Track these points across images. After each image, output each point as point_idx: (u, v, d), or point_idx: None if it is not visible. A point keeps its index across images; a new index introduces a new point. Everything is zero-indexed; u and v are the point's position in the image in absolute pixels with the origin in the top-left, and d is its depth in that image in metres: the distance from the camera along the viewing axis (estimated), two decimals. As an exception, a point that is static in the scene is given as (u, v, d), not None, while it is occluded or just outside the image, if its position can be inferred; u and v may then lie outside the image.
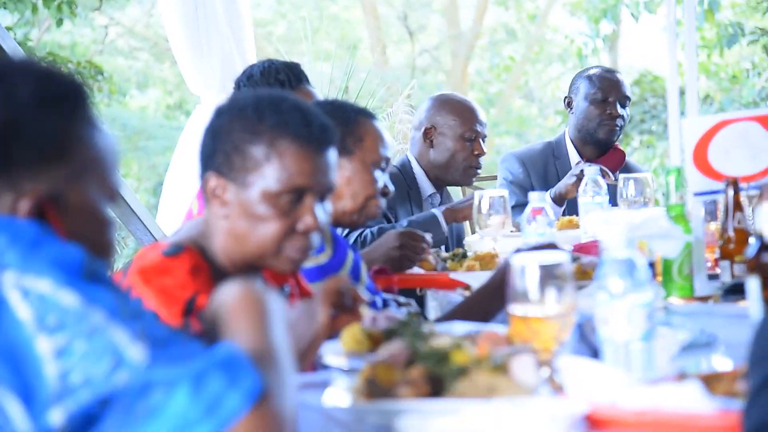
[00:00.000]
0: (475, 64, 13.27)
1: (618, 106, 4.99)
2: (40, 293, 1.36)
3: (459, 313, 2.85)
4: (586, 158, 5.07)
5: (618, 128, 5.03)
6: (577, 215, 4.25)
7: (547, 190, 4.61)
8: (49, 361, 1.33)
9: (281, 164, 2.17)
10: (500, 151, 12.47)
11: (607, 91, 5.00)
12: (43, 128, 1.47)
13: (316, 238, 2.23)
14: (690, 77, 3.12)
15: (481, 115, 4.64)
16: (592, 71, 5.10)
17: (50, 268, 1.38)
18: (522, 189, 5.00)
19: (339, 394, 1.88)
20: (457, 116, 4.57)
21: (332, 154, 2.25)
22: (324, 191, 2.23)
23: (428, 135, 4.57)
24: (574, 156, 5.10)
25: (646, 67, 12.10)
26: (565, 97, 5.17)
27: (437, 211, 4.26)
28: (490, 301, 2.85)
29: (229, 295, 1.61)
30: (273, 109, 2.20)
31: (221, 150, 2.19)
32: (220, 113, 2.23)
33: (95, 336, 1.34)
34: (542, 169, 5.09)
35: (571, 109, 5.12)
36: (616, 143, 5.09)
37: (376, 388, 1.81)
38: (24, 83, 1.49)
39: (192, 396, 1.33)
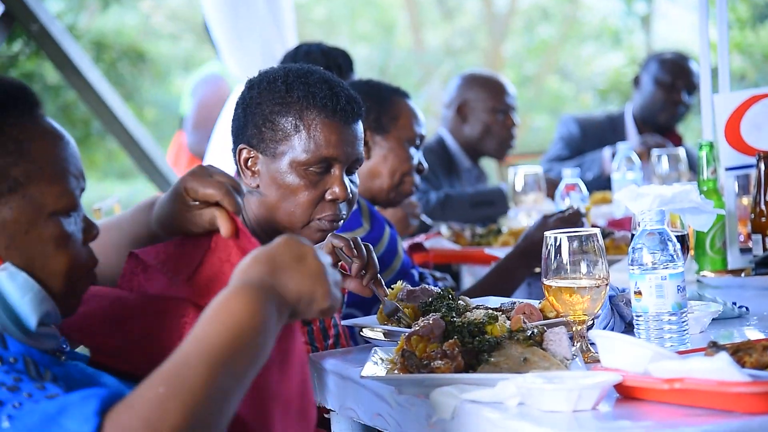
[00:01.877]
0: (510, 45, 13.22)
1: (684, 93, 5.03)
2: None
3: (485, 281, 2.90)
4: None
5: (680, 114, 5.08)
6: (610, 191, 4.27)
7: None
8: None
9: (309, 135, 2.23)
10: (535, 130, 12.44)
11: (675, 76, 5.04)
12: None
13: (344, 208, 2.28)
14: (722, 54, 3.13)
15: (510, 88, 4.70)
16: (666, 55, 5.14)
17: None
18: (576, 148, 5.08)
19: (376, 367, 1.92)
20: (487, 91, 4.64)
21: (359, 127, 2.30)
22: (352, 162, 2.28)
23: (461, 111, 4.64)
24: (632, 133, 5.15)
25: (680, 45, 12.01)
26: (636, 75, 5.22)
27: (504, 186, 4.36)
28: (516, 266, 2.90)
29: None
30: (301, 81, 2.25)
31: (252, 122, 2.25)
32: (251, 87, 2.29)
33: None
34: (599, 138, 5.16)
35: (638, 87, 5.17)
36: (675, 127, 5.14)
37: (412, 361, 1.84)
38: None
39: None
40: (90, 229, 1.56)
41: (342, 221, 2.29)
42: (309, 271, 1.47)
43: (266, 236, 2.31)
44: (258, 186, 2.28)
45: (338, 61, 3.68)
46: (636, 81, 5.24)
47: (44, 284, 1.48)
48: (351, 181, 2.29)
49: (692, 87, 5.09)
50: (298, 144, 2.23)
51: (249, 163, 2.28)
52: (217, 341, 1.34)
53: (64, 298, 1.52)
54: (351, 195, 2.27)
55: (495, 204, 4.32)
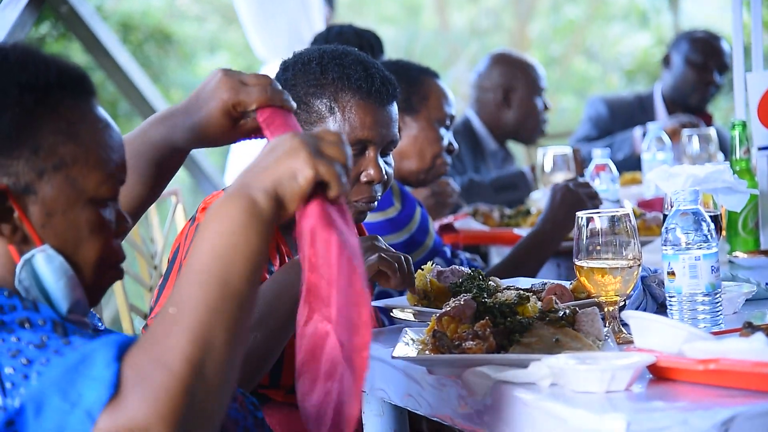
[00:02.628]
0: (536, 25, 13.16)
1: (716, 74, 4.99)
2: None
3: (513, 258, 2.90)
4: None
5: (711, 95, 5.04)
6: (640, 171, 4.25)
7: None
8: None
9: (344, 117, 2.22)
10: (561, 111, 12.38)
11: (708, 56, 5.00)
12: (14, 110, 1.40)
13: (379, 190, 2.27)
14: (755, 32, 3.10)
15: (541, 71, 4.70)
16: (697, 34, 5.09)
17: None
18: (606, 129, 5.05)
19: (407, 348, 1.91)
20: (529, 75, 4.63)
21: (394, 108, 2.29)
22: (386, 144, 2.27)
23: (507, 95, 4.61)
24: (662, 112, 5.12)
25: (708, 25, 11.91)
26: (665, 54, 5.18)
27: (526, 168, 4.34)
28: (547, 240, 2.90)
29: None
30: (336, 63, 2.24)
31: None
32: (285, 68, 2.28)
33: None
34: (628, 119, 5.14)
35: (668, 66, 5.13)
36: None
37: (443, 342, 1.84)
38: None
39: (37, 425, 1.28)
40: (122, 222, 1.55)
41: (376, 202, 2.28)
42: (281, 151, 1.41)
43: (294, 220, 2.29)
44: None
45: (370, 41, 3.67)
46: (666, 60, 5.19)
47: (75, 271, 1.48)
48: (386, 162, 2.28)
49: (724, 67, 5.04)
50: (333, 126, 2.22)
51: None
52: (203, 256, 1.33)
53: (90, 289, 1.51)
54: (386, 177, 2.26)
55: (518, 187, 4.31)
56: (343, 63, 2.24)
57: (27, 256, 1.44)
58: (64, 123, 1.45)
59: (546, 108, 4.63)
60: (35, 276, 1.45)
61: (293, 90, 2.24)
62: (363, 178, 2.24)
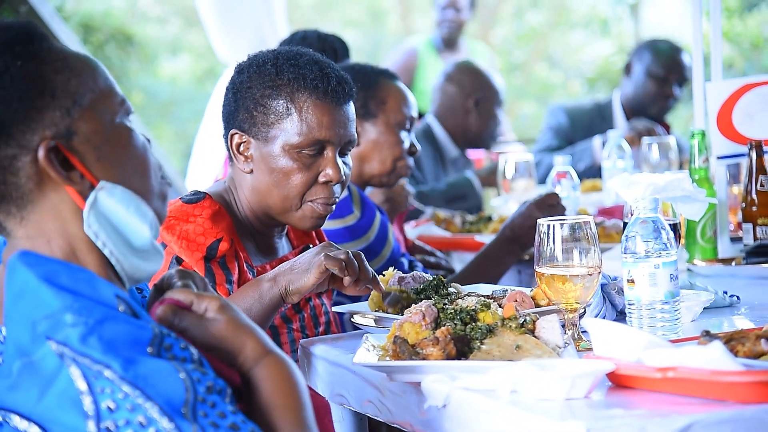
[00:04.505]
0: (499, 31, 13.21)
1: (675, 87, 5.03)
2: (102, 378, 1.32)
3: (471, 268, 2.89)
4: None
5: (669, 107, 5.08)
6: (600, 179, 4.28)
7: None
8: None
9: (301, 117, 2.22)
10: (523, 117, 12.43)
11: (669, 70, 5.04)
12: (12, 75, 1.43)
13: (338, 190, 2.27)
14: (714, 43, 3.13)
15: (497, 79, 4.74)
16: (660, 45, 5.12)
17: (113, 355, 1.33)
18: (566, 138, 5.08)
19: (368, 354, 1.91)
20: (493, 87, 4.65)
21: (351, 108, 2.29)
22: (344, 144, 2.27)
23: (476, 103, 4.63)
24: (621, 120, 5.15)
25: (669, 34, 11.99)
26: (627, 62, 5.21)
27: (470, 174, 4.34)
28: (501, 254, 2.90)
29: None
30: (291, 63, 2.24)
31: (243, 107, 2.24)
32: (241, 71, 2.28)
33: (149, 428, 1.30)
34: (587, 127, 5.16)
35: (629, 75, 5.16)
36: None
37: (404, 348, 1.83)
38: None
39: None
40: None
41: (333, 204, 2.28)
42: None
43: (259, 222, 2.30)
44: (251, 171, 2.26)
45: (334, 45, 3.66)
46: (627, 69, 5.22)
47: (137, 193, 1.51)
48: (344, 162, 2.28)
49: (684, 80, 5.08)
50: (291, 127, 2.22)
51: (241, 148, 2.27)
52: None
53: (154, 203, 1.53)
54: (344, 177, 2.27)
55: (467, 197, 4.33)
56: (298, 63, 2.24)
57: (90, 199, 1.45)
58: (58, 63, 1.47)
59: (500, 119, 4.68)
60: (104, 216, 1.46)
61: (249, 92, 2.24)
62: (321, 179, 2.25)
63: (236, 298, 2.07)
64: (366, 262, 2.09)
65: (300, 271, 2.06)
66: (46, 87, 1.44)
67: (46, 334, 1.33)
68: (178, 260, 2.14)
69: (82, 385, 1.31)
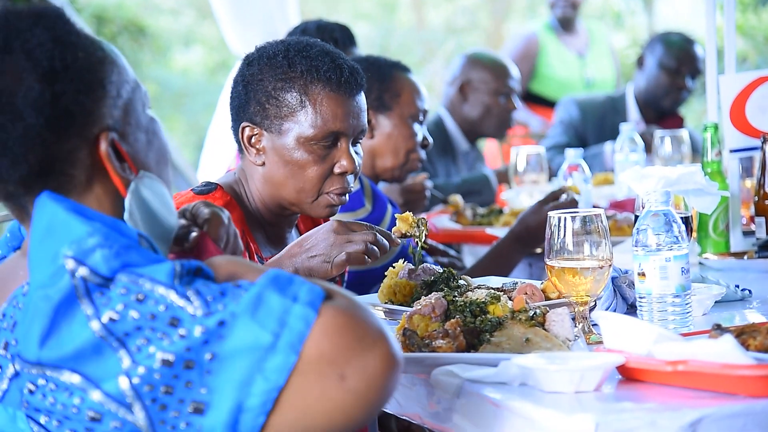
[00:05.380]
0: (512, 24, 13.18)
1: (688, 79, 5.01)
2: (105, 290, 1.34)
3: (480, 265, 2.89)
4: (646, 119, 5.12)
5: (683, 99, 5.06)
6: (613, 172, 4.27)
7: (601, 142, 4.68)
8: (108, 336, 1.31)
9: (316, 110, 2.22)
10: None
11: (681, 62, 5.02)
12: (77, 67, 1.44)
13: (351, 181, 2.27)
14: (728, 36, 3.11)
15: (514, 71, 4.67)
16: (672, 37, 5.10)
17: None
18: (576, 132, 5.06)
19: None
20: (491, 72, 4.60)
21: (362, 98, 2.30)
22: (357, 134, 2.28)
23: (463, 90, 4.61)
24: (633, 113, 5.14)
25: (682, 27, 11.94)
26: (639, 56, 5.20)
27: (489, 172, 4.33)
28: (510, 251, 2.89)
29: None
30: (303, 55, 2.23)
31: (254, 99, 2.23)
32: (250, 63, 2.27)
33: (147, 300, 1.32)
34: (600, 120, 5.14)
35: (642, 67, 5.15)
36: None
37: (413, 340, 1.83)
38: (40, 32, 1.43)
39: (252, 323, 1.30)
40: None
41: (347, 195, 2.28)
42: None
43: (270, 213, 2.30)
44: (263, 163, 2.26)
45: (334, 34, 3.63)
46: (639, 62, 5.21)
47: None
48: (356, 152, 2.28)
49: (697, 72, 5.06)
50: (305, 119, 2.22)
51: (253, 141, 2.26)
52: None
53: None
54: (358, 167, 2.27)
55: (482, 193, 4.32)
56: (310, 55, 2.24)
57: (131, 188, 1.47)
58: (99, 53, 1.47)
59: (512, 108, 4.61)
60: (142, 205, 1.48)
61: (260, 84, 2.23)
62: (336, 170, 2.25)
63: None
64: (377, 233, 2.11)
65: (320, 261, 2.08)
66: (100, 78, 1.45)
67: (67, 254, 1.34)
68: None
69: (87, 309, 1.32)
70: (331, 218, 2.33)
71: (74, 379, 1.32)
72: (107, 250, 1.34)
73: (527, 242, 2.91)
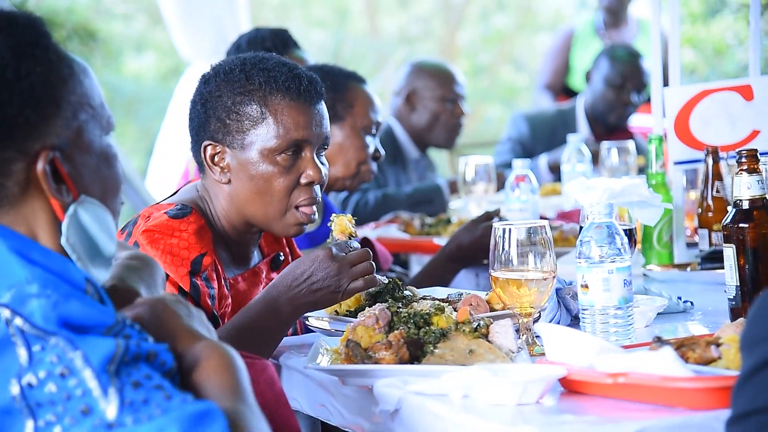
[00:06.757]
0: (465, 34, 13.22)
1: (633, 94, 5.04)
2: (46, 344, 1.29)
3: (415, 282, 2.88)
4: (595, 134, 5.15)
5: (629, 115, 5.09)
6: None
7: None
8: (20, 400, 1.27)
9: (277, 120, 2.18)
10: (488, 120, 12.46)
11: (625, 78, 5.05)
12: (30, 80, 1.40)
13: (318, 191, 2.24)
14: (673, 48, 3.14)
15: (459, 77, 4.70)
16: (617, 52, 5.13)
17: (60, 327, 1.30)
18: (523, 149, 5.08)
19: (321, 357, 1.90)
20: (436, 79, 4.62)
21: (323, 107, 2.26)
22: (320, 143, 2.24)
23: (410, 99, 4.62)
24: (583, 128, 5.17)
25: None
26: (587, 71, 5.24)
27: (442, 181, 4.33)
28: (442, 270, 2.90)
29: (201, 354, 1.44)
30: (260, 67, 2.21)
31: (214, 116, 2.20)
32: (207, 81, 2.24)
33: (69, 378, 1.27)
34: (549, 135, 5.17)
35: (589, 83, 5.19)
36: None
37: (356, 352, 1.83)
38: (2, 39, 1.40)
39: None
40: None
41: (317, 204, 2.24)
42: None
43: (236, 232, 2.25)
44: (229, 181, 2.21)
45: (266, 44, 3.60)
46: (587, 76, 5.25)
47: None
48: (321, 162, 2.25)
49: (642, 87, 5.09)
50: (267, 131, 2.18)
51: (216, 159, 2.21)
52: None
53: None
54: (324, 177, 2.23)
55: (433, 202, 4.32)
56: (267, 67, 2.21)
57: (70, 212, 1.43)
58: (66, 71, 1.45)
59: (460, 113, 4.63)
60: (80, 230, 1.44)
61: (219, 101, 2.20)
62: (303, 180, 2.21)
63: (254, 326, 2.07)
64: (371, 261, 2.13)
65: (327, 292, 2.09)
66: (55, 96, 1.42)
67: (2, 301, 1.30)
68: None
69: (22, 354, 1.28)
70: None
71: None
72: (44, 300, 1.30)
73: (460, 260, 2.91)
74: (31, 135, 1.40)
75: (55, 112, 1.42)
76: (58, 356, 1.28)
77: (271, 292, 2.10)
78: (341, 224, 2.19)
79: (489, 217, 2.93)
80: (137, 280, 1.57)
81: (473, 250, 2.88)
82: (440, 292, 2.31)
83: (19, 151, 1.40)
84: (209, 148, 2.21)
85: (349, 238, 2.18)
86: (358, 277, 2.09)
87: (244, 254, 2.31)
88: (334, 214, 2.21)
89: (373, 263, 2.12)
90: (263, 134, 2.17)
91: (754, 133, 2.96)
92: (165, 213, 2.17)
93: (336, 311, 2.18)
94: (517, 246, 1.97)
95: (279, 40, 3.65)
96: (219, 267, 2.19)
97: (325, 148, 2.27)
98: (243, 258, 2.30)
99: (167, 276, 2.09)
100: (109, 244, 1.48)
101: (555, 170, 4.73)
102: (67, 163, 1.43)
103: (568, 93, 6.29)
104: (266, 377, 1.59)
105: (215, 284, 2.15)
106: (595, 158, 4.41)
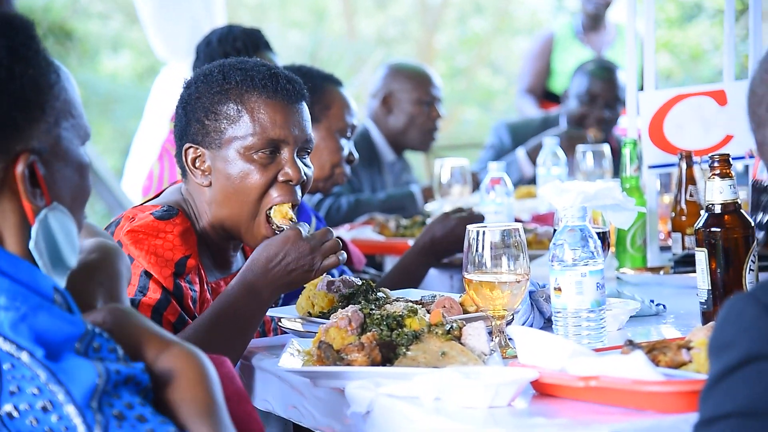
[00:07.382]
0: (443, 36, 13.24)
1: (606, 111, 5.05)
2: (19, 364, 1.27)
3: (388, 278, 2.88)
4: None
5: (605, 128, 5.09)
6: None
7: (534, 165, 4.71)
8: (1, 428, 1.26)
9: (253, 118, 2.17)
10: (465, 123, 12.48)
11: (597, 91, 5.06)
12: (22, 82, 1.40)
13: (299, 193, 2.21)
14: (648, 52, 3.16)
15: (436, 79, 4.70)
16: (588, 67, 5.14)
17: (40, 344, 1.29)
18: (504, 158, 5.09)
19: (293, 358, 1.90)
20: (412, 82, 4.62)
21: (304, 107, 2.24)
22: (301, 144, 2.22)
23: (386, 102, 4.62)
24: None
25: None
26: (565, 89, 5.28)
27: (416, 188, 4.33)
28: (416, 264, 2.89)
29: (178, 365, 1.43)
30: (238, 68, 2.21)
31: (194, 118, 2.19)
32: (188, 86, 2.24)
33: (51, 413, 1.27)
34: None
35: (565, 95, 5.22)
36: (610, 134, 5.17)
37: (328, 353, 1.83)
38: None
39: None
40: None
41: (295, 206, 2.21)
42: None
43: (218, 236, 2.23)
44: (210, 183, 2.20)
45: (237, 44, 3.59)
46: (564, 92, 5.29)
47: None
48: (304, 164, 2.23)
49: (615, 101, 5.09)
50: (243, 128, 2.17)
51: (197, 163, 2.20)
52: None
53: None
54: (305, 178, 2.21)
55: (406, 209, 4.31)
56: (245, 67, 2.21)
57: (40, 216, 1.42)
58: (53, 75, 1.44)
59: (437, 116, 4.63)
60: (48, 236, 1.43)
61: (198, 102, 2.19)
62: (280, 178, 2.18)
63: (234, 311, 2.06)
64: (336, 241, 2.15)
65: (301, 272, 2.10)
66: (41, 100, 1.42)
67: None
68: (147, 274, 2.09)
69: None
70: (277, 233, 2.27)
71: None
72: (13, 312, 1.30)
73: (433, 253, 2.89)
74: (15, 136, 1.40)
75: (40, 116, 1.42)
76: (39, 389, 1.27)
77: (247, 276, 2.09)
78: (282, 211, 2.18)
79: (461, 210, 2.92)
80: (96, 285, 1.56)
81: (447, 241, 2.86)
82: (414, 294, 2.31)
83: (1, 151, 1.39)
84: (190, 152, 2.20)
85: (278, 228, 2.17)
86: (329, 254, 2.10)
87: (226, 258, 2.30)
88: (276, 205, 2.19)
89: (339, 240, 2.13)
90: (240, 132, 2.16)
91: (727, 138, 2.98)
92: (151, 214, 2.16)
93: (309, 312, 2.17)
94: (491, 248, 1.97)
95: (250, 40, 3.63)
96: (202, 270, 2.18)
97: (308, 151, 2.25)
98: (225, 262, 2.30)
99: (151, 275, 2.08)
100: (71, 254, 1.47)
101: (534, 157, 4.71)
102: (44, 168, 1.42)
103: (549, 96, 6.31)
104: (225, 371, 1.57)
105: (197, 287, 2.14)
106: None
